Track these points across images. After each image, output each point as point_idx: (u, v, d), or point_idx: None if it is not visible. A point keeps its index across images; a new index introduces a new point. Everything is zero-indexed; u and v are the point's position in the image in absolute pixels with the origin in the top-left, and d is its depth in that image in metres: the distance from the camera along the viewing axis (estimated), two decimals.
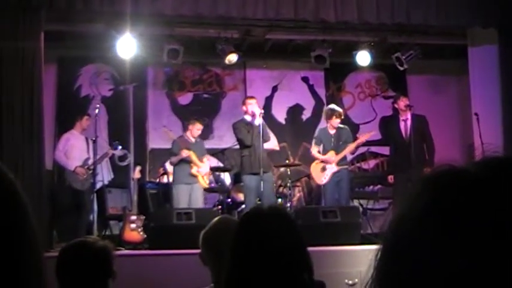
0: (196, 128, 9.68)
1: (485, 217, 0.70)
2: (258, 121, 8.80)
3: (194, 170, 9.35)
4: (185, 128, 10.17)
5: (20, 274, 0.76)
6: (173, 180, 9.56)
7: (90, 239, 3.07)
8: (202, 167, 9.45)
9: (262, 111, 8.93)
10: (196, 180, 9.37)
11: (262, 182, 8.58)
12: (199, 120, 9.93)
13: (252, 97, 9.35)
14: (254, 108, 8.91)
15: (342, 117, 9.48)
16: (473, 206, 0.71)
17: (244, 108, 9.09)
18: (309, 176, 9.93)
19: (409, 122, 9.19)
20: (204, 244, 2.82)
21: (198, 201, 9.34)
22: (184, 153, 9.26)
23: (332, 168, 9.24)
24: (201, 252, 2.84)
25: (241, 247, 2.19)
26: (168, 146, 9.74)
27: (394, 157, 9.56)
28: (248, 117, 8.97)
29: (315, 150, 9.52)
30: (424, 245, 0.72)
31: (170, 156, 9.63)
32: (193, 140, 9.62)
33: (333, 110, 9.46)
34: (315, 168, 9.47)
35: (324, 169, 9.32)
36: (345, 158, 9.46)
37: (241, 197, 9.78)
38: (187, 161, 9.35)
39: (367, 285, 0.77)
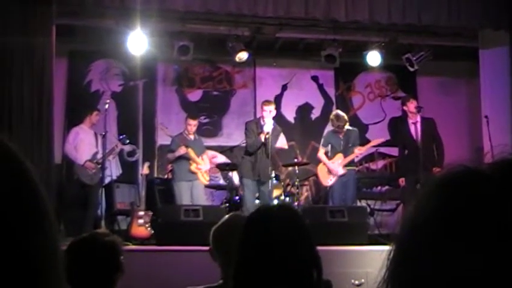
0: (189, 124, 9.55)
1: (499, 218, 0.70)
2: (263, 137, 8.72)
3: (193, 167, 9.35)
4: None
5: (37, 258, 0.76)
6: (174, 177, 9.53)
7: (100, 233, 3.07)
8: (202, 164, 9.44)
9: (269, 132, 8.67)
10: (197, 177, 9.37)
11: (260, 188, 8.73)
12: (192, 116, 9.89)
13: (268, 103, 9.07)
14: (266, 120, 8.77)
15: (348, 123, 9.41)
16: (486, 206, 0.71)
17: (261, 111, 9.04)
18: (316, 175, 9.90)
19: (419, 125, 9.13)
20: (215, 240, 2.84)
21: (200, 198, 9.34)
22: (182, 150, 9.25)
23: (339, 171, 9.22)
24: (211, 249, 2.85)
25: (250, 243, 2.19)
26: None
27: (404, 160, 9.50)
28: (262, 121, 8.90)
29: (321, 152, 9.48)
30: (436, 245, 0.72)
31: (168, 153, 9.63)
32: (191, 137, 9.58)
33: (334, 120, 9.38)
34: (321, 170, 9.44)
35: (330, 171, 9.30)
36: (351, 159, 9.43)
37: None
38: (186, 158, 9.34)
39: (379, 285, 0.77)
